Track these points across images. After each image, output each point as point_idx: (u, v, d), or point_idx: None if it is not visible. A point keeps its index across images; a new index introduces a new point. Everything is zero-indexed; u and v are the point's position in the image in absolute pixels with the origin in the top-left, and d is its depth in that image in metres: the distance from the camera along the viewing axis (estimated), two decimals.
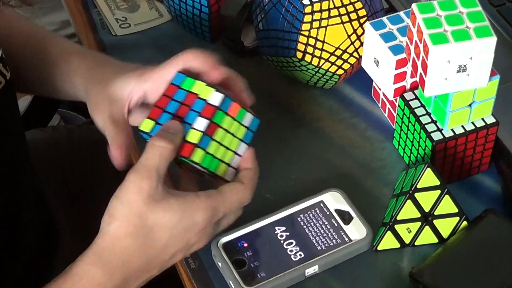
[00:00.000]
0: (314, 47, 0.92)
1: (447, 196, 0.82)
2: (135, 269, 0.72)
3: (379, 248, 0.83)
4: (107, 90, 0.82)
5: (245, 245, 0.82)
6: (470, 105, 0.84)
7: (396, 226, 0.83)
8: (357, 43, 0.93)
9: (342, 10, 0.91)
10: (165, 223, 0.71)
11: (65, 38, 0.96)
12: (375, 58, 0.88)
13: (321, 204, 0.85)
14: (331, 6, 0.91)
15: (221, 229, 0.77)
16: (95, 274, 0.71)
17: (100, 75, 0.85)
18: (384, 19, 0.88)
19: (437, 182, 0.82)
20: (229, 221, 0.77)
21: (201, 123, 0.74)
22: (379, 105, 0.98)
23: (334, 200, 0.85)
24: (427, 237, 0.83)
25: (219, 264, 0.81)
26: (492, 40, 0.79)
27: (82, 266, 0.71)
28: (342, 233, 0.83)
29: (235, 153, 0.77)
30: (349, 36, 0.92)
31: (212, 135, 0.75)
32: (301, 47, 0.92)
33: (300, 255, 0.81)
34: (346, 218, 0.84)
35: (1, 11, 0.93)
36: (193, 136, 0.74)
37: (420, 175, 0.82)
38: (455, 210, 0.83)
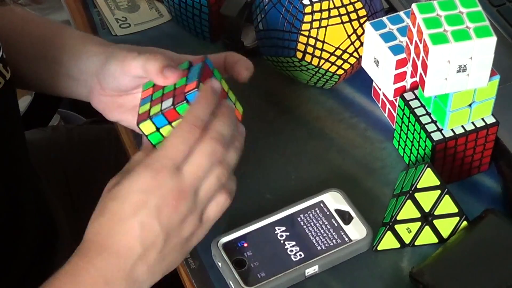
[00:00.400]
0: (314, 47, 0.92)
1: (447, 196, 0.82)
2: (108, 249, 0.70)
3: (379, 248, 0.83)
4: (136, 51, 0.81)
5: (245, 245, 0.82)
6: (470, 105, 0.84)
7: (396, 226, 0.83)
8: (357, 43, 0.93)
9: (342, 10, 0.91)
10: (113, 196, 0.70)
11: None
12: (375, 58, 0.88)
13: (321, 204, 0.85)
14: (331, 6, 0.91)
15: (192, 177, 0.70)
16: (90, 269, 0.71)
17: (123, 47, 0.85)
18: (384, 19, 0.88)
19: (437, 182, 0.82)
20: (196, 162, 0.70)
21: (166, 102, 0.74)
22: (379, 105, 0.98)
23: (334, 200, 0.85)
24: (427, 237, 0.83)
25: (219, 264, 0.81)
26: (492, 40, 0.79)
27: (78, 265, 0.71)
28: (342, 233, 0.83)
29: None
30: (349, 36, 0.92)
31: (171, 121, 0.74)
32: (301, 47, 0.92)
33: (300, 255, 0.81)
34: (346, 218, 0.84)
35: (11, 10, 0.93)
36: (153, 109, 0.75)
37: (420, 175, 0.82)
38: (455, 210, 0.83)
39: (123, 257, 0.70)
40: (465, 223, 0.83)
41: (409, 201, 0.82)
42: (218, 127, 0.71)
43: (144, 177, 0.69)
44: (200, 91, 0.73)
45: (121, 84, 0.81)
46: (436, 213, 0.83)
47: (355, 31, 0.92)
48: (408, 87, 0.89)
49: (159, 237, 0.70)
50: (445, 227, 0.83)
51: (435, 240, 0.84)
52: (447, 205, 0.83)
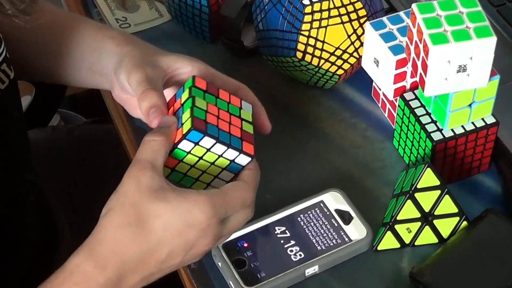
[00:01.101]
0: (314, 47, 0.92)
1: (447, 196, 0.82)
2: (129, 261, 0.69)
3: (379, 248, 0.83)
4: (152, 56, 0.81)
5: (245, 245, 0.82)
6: (470, 105, 0.84)
7: (396, 226, 0.83)
8: (357, 43, 0.93)
9: (342, 10, 0.91)
10: (159, 214, 0.69)
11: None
12: (375, 58, 0.88)
13: (321, 204, 0.85)
14: (331, 6, 0.91)
15: (227, 232, 0.73)
16: (86, 267, 0.69)
17: (142, 44, 0.85)
18: (384, 19, 0.88)
19: (437, 182, 0.82)
20: (235, 223, 0.74)
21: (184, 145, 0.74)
22: (379, 105, 0.98)
23: (334, 200, 0.85)
24: (427, 237, 0.83)
25: (219, 264, 0.81)
26: (492, 40, 0.79)
27: (74, 260, 0.70)
28: (342, 233, 0.83)
29: (216, 177, 0.76)
30: (349, 36, 0.92)
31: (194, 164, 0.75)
32: (301, 47, 0.92)
33: (300, 255, 0.81)
34: (346, 218, 0.84)
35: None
36: (176, 154, 0.74)
37: (420, 175, 0.82)
38: (455, 210, 0.83)
39: (136, 273, 0.70)
40: (465, 223, 0.83)
41: (409, 201, 0.82)
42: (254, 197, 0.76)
43: (200, 214, 0.70)
44: (256, 166, 0.76)
45: (129, 92, 0.81)
46: (436, 213, 0.83)
47: (355, 31, 0.92)
48: (408, 87, 0.89)
49: (174, 266, 0.72)
50: (445, 227, 0.83)
51: (435, 240, 0.84)
52: (447, 205, 0.83)
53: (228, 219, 0.73)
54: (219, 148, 0.73)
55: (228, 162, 0.74)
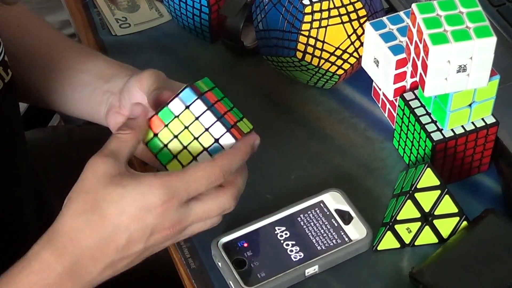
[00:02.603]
0: (314, 47, 0.92)
1: (447, 196, 0.82)
2: (86, 248, 0.68)
3: (379, 248, 0.83)
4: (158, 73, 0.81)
5: (245, 245, 0.82)
6: (470, 105, 0.84)
7: (396, 226, 0.83)
8: (357, 43, 0.93)
9: (342, 10, 0.91)
10: (114, 199, 0.68)
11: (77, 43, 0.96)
12: (375, 58, 0.88)
13: (321, 204, 0.85)
14: (331, 6, 0.91)
15: (197, 217, 0.71)
16: (44, 255, 0.69)
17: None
18: (384, 19, 0.88)
19: (437, 182, 0.82)
20: (204, 210, 0.71)
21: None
22: (379, 105, 0.98)
23: (334, 200, 0.85)
24: (427, 237, 0.83)
25: (219, 264, 0.81)
26: (492, 40, 0.79)
27: (34, 249, 0.70)
28: (342, 233, 0.83)
29: (195, 158, 0.73)
30: (349, 36, 0.92)
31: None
32: (301, 47, 0.93)
33: (300, 255, 0.81)
34: (346, 218, 0.84)
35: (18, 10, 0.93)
36: (164, 115, 0.73)
37: (420, 175, 0.82)
38: (455, 210, 0.83)
39: (97, 261, 0.69)
40: (465, 223, 0.83)
41: (409, 201, 0.82)
42: (240, 186, 0.72)
43: (155, 197, 0.68)
44: (241, 144, 0.72)
45: (134, 100, 0.81)
46: (436, 213, 0.83)
47: (355, 31, 0.92)
48: (408, 87, 0.89)
49: (137, 252, 0.70)
50: (445, 227, 0.83)
51: (435, 240, 0.84)
52: (447, 205, 0.83)
53: (194, 203, 0.70)
54: (208, 119, 0.71)
55: (212, 140, 0.72)
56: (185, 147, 0.73)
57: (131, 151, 0.71)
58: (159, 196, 0.68)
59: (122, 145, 0.71)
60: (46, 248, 0.69)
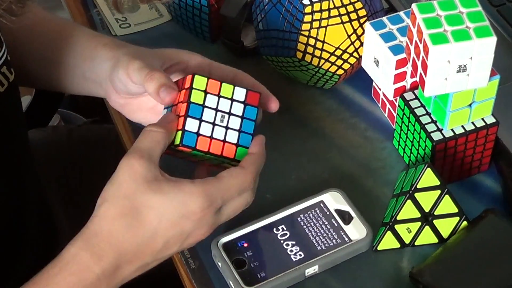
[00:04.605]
0: (314, 47, 0.92)
1: (447, 196, 0.82)
2: (125, 252, 0.70)
3: (379, 248, 0.83)
4: (148, 51, 0.82)
5: (245, 245, 0.82)
6: (470, 105, 0.84)
7: (396, 226, 0.83)
8: (357, 43, 0.93)
9: (342, 10, 0.91)
10: (154, 205, 0.69)
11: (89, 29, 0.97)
12: (375, 58, 0.88)
13: (321, 204, 0.85)
14: (331, 6, 0.91)
15: (225, 218, 0.74)
16: (82, 257, 0.70)
17: (134, 46, 0.85)
18: (384, 19, 0.88)
19: (437, 182, 0.82)
20: (233, 209, 0.74)
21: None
22: (379, 105, 0.98)
23: (334, 200, 0.85)
24: (427, 237, 0.83)
25: (219, 264, 0.81)
26: (492, 40, 0.79)
27: (70, 250, 0.70)
28: (342, 233, 0.83)
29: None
30: (349, 36, 0.92)
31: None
32: (301, 47, 0.93)
33: (300, 255, 0.81)
34: (346, 218, 0.84)
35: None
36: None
37: (420, 175, 0.82)
38: (455, 210, 0.83)
39: (131, 263, 0.71)
40: (465, 223, 0.83)
41: (409, 201, 0.82)
42: (257, 183, 0.75)
43: (194, 205, 0.70)
44: (259, 142, 0.77)
45: (130, 90, 0.81)
46: (436, 213, 0.83)
47: (355, 31, 0.92)
48: (408, 87, 0.89)
49: (170, 254, 0.72)
50: (445, 227, 0.83)
51: (435, 240, 0.84)
52: (447, 205, 0.83)
53: (225, 206, 0.73)
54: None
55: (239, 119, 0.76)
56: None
57: (162, 151, 0.73)
58: (198, 204, 0.70)
59: (155, 145, 0.72)
60: (85, 250, 0.70)
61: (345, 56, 0.93)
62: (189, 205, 0.70)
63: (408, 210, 0.82)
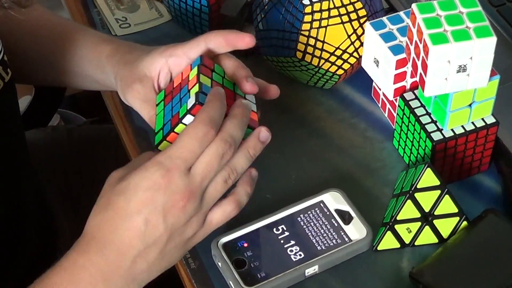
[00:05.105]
0: (314, 47, 0.92)
1: (447, 196, 0.82)
2: (108, 242, 0.70)
3: (379, 248, 0.83)
4: (136, 70, 0.82)
5: (245, 245, 0.82)
6: (470, 105, 0.84)
7: (396, 226, 0.83)
8: (357, 43, 0.93)
9: (342, 10, 0.91)
10: (121, 191, 0.70)
11: (93, 30, 0.97)
12: (375, 58, 0.88)
13: (321, 204, 0.85)
14: (331, 6, 0.91)
15: (200, 177, 0.70)
16: (75, 257, 0.71)
17: (130, 58, 0.85)
18: (384, 19, 0.88)
19: (437, 182, 0.82)
20: (208, 160, 0.70)
21: (188, 120, 0.74)
22: (379, 105, 0.98)
23: (334, 200, 0.85)
24: (427, 237, 0.83)
25: (219, 264, 0.81)
26: (492, 40, 0.79)
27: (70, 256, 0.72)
28: (342, 233, 0.83)
29: None
30: (349, 36, 0.92)
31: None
32: (301, 47, 0.93)
33: (300, 255, 0.81)
34: (346, 218, 0.84)
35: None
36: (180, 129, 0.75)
37: (420, 175, 0.82)
38: (455, 210, 0.83)
39: (124, 254, 0.70)
40: (465, 223, 0.83)
41: (409, 201, 0.82)
42: (230, 129, 0.72)
43: (154, 175, 0.69)
44: (211, 93, 0.74)
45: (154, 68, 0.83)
46: (436, 213, 0.83)
47: (355, 31, 0.92)
48: (408, 87, 0.89)
49: (162, 236, 0.70)
50: (445, 227, 0.83)
51: (435, 240, 0.84)
52: (447, 205, 0.83)
53: (194, 165, 0.71)
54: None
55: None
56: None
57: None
58: (156, 173, 0.69)
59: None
60: (76, 251, 0.71)
61: (345, 56, 0.93)
62: (149, 177, 0.69)
63: (408, 210, 0.82)
